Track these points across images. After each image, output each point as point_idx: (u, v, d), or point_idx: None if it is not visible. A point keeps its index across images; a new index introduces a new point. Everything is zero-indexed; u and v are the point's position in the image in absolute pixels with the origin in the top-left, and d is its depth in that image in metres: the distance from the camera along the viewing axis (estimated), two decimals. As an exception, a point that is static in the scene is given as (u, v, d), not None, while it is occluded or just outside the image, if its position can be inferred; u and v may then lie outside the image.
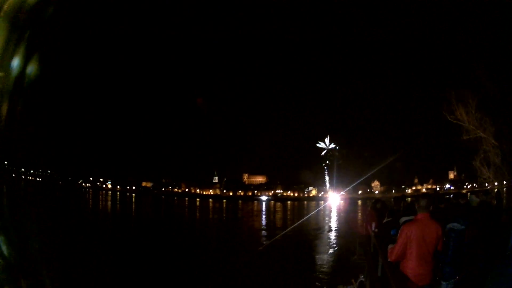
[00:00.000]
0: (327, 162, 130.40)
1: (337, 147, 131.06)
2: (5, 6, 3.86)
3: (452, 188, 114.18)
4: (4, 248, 4.42)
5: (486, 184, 30.95)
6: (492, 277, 3.18)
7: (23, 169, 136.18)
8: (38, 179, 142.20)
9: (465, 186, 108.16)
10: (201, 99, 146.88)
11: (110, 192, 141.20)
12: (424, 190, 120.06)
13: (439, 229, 6.42)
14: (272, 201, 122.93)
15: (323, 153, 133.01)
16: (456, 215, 7.18)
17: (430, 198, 7.38)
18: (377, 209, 14.28)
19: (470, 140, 28.51)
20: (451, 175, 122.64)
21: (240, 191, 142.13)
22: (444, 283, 6.82)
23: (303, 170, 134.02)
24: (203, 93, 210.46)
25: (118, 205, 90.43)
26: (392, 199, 13.34)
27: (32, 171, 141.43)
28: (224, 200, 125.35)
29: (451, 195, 17.83)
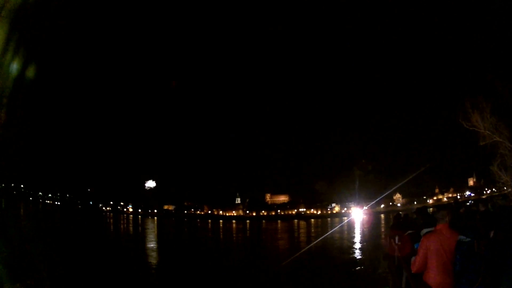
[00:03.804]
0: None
1: (364, 161, 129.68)
2: (6, 6, 3.99)
3: (472, 195, 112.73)
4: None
5: (505, 188, 30.73)
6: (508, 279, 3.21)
7: (40, 193, 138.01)
8: (56, 202, 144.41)
9: (484, 192, 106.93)
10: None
11: (131, 215, 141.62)
12: (445, 199, 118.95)
13: (457, 239, 6.49)
14: (296, 220, 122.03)
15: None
16: (464, 227, 7.20)
17: (448, 208, 7.44)
18: (399, 222, 14.31)
19: (487, 146, 28.41)
20: (471, 182, 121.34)
21: (263, 211, 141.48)
22: None
23: (325, 187, 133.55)
24: (225, 114, 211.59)
25: (139, 228, 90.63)
26: (414, 211, 13.38)
27: (50, 195, 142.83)
28: (248, 221, 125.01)
29: (471, 202, 17.71)
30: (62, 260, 25.89)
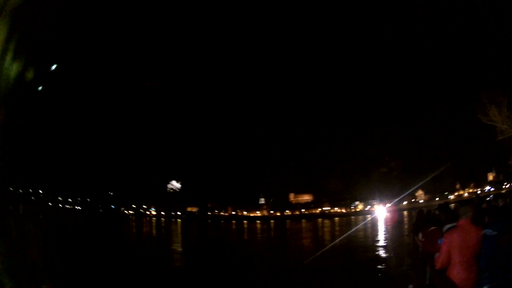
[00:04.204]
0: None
1: (387, 158, 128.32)
2: (7, 6, 4.00)
3: (492, 189, 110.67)
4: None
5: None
6: None
7: (60, 198, 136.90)
8: (76, 207, 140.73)
9: (503, 186, 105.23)
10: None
11: (154, 218, 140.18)
12: (466, 194, 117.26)
13: (480, 233, 6.46)
14: (320, 219, 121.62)
15: None
16: (490, 221, 7.13)
17: (470, 203, 7.38)
18: (422, 218, 14.27)
19: (505, 140, 28.19)
20: (490, 177, 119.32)
21: (287, 211, 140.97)
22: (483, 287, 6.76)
23: (349, 185, 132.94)
24: (247, 115, 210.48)
25: (162, 230, 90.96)
26: (436, 207, 13.30)
27: (70, 200, 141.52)
28: (272, 221, 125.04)
29: (491, 196, 17.56)
30: (80, 264, 26.16)
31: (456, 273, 6.36)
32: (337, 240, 43.83)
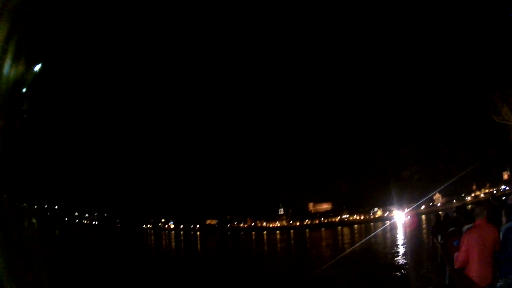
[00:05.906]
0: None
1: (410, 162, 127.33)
2: (8, 6, 4.07)
3: (507, 188, 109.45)
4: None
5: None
6: None
7: (76, 213, 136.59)
8: (94, 222, 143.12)
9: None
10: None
11: (173, 232, 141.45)
12: (482, 195, 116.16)
13: (496, 232, 6.60)
14: (339, 227, 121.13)
15: None
16: (508, 219, 7.21)
17: (485, 204, 7.49)
18: (441, 221, 14.31)
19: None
20: (505, 176, 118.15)
21: (306, 220, 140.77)
22: (502, 279, 6.83)
23: (367, 192, 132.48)
24: (267, 129, 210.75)
25: (182, 243, 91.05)
26: (454, 209, 13.33)
27: (87, 215, 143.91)
28: (292, 231, 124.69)
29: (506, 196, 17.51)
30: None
31: (475, 271, 6.48)
32: (355, 246, 43.92)
